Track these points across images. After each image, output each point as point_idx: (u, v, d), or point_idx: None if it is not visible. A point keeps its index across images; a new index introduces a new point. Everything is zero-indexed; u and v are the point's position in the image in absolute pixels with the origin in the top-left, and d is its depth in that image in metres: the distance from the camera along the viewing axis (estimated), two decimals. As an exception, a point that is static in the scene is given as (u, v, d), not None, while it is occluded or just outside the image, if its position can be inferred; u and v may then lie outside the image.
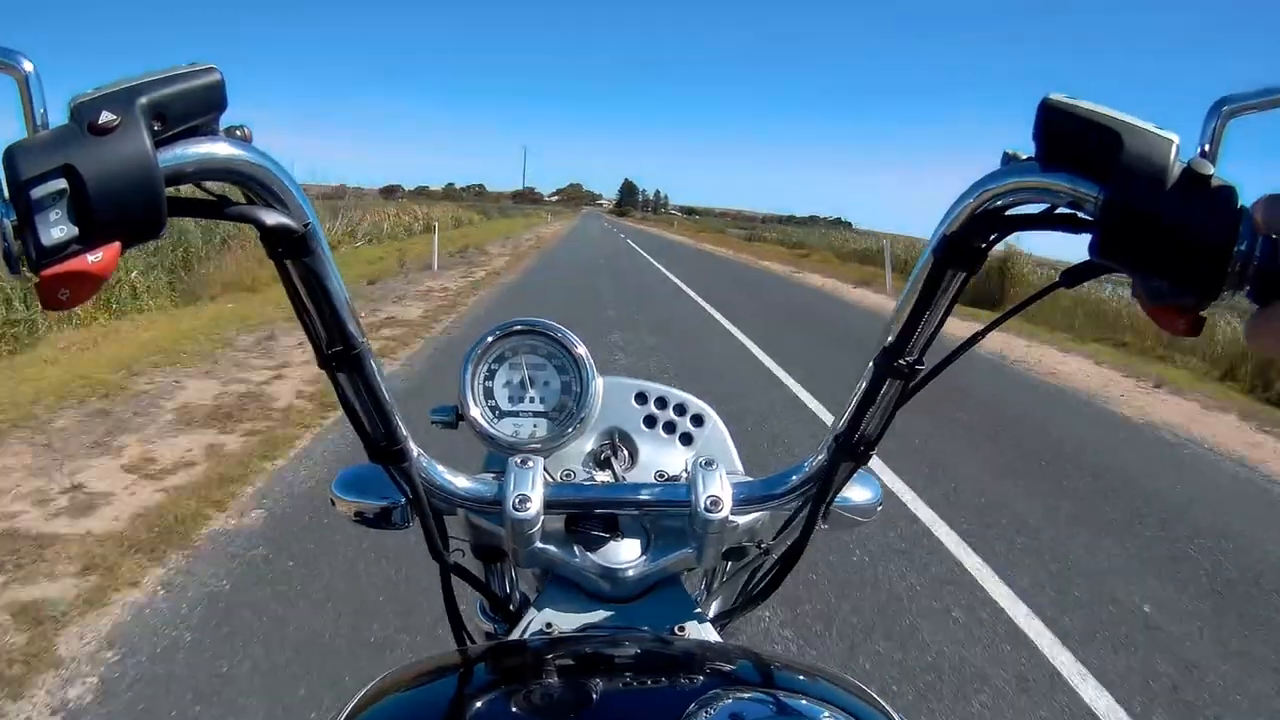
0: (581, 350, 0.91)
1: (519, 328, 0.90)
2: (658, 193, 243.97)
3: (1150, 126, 0.58)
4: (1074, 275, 0.65)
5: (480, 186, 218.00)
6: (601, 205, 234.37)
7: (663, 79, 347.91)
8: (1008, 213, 0.65)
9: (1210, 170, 0.56)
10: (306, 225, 0.65)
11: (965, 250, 0.67)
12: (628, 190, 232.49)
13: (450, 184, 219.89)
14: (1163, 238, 0.56)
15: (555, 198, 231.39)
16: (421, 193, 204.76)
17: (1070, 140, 0.60)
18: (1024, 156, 0.63)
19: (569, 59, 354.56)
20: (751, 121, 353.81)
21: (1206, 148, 0.58)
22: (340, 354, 0.72)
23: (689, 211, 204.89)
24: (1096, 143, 0.59)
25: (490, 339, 0.90)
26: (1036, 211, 0.65)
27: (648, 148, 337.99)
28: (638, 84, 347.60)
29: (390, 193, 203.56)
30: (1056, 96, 0.60)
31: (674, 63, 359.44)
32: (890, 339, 0.74)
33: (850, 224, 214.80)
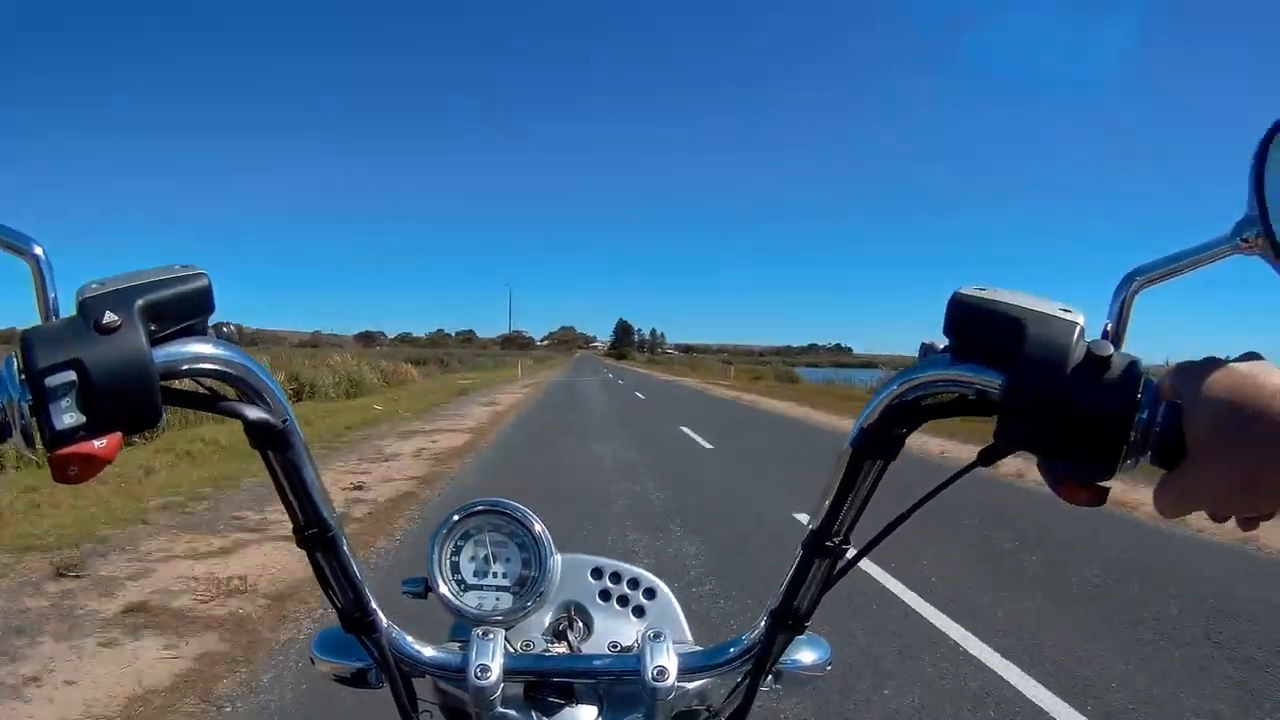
0: (540, 528, 0.94)
1: (481, 508, 0.94)
2: (654, 331, 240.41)
3: (1056, 310, 0.62)
4: (989, 455, 0.65)
5: (470, 333, 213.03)
6: (595, 348, 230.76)
7: (653, 214, 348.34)
8: (923, 403, 0.68)
9: (1109, 351, 0.59)
10: (285, 421, 0.70)
11: (883, 441, 0.70)
12: (622, 331, 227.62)
13: (439, 330, 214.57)
14: (1061, 421, 0.58)
15: (546, 341, 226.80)
16: (405, 340, 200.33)
17: (978, 332, 0.63)
18: (940, 346, 0.66)
19: (557, 198, 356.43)
20: (746, 252, 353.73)
21: (1109, 327, 0.63)
22: (316, 535, 0.78)
23: (686, 349, 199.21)
24: (1001, 333, 0.62)
25: (456, 518, 0.94)
26: (949, 400, 0.67)
27: (641, 286, 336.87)
28: (628, 220, 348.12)
29: (369, 340, 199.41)
30: (966, 290, 0.64)
31: (664, 198, 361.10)
32: (817, 522, 0.77)
33: (850, 349, 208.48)
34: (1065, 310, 0.63)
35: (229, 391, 0.69)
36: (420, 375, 39.06)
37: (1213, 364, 0.56)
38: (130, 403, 0.57)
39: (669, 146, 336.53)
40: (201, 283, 0.63)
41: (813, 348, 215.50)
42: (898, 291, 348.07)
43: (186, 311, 0.63)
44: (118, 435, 0.57)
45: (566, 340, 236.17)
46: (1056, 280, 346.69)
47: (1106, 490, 0.60)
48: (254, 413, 0.68)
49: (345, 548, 0.80)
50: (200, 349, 0.63)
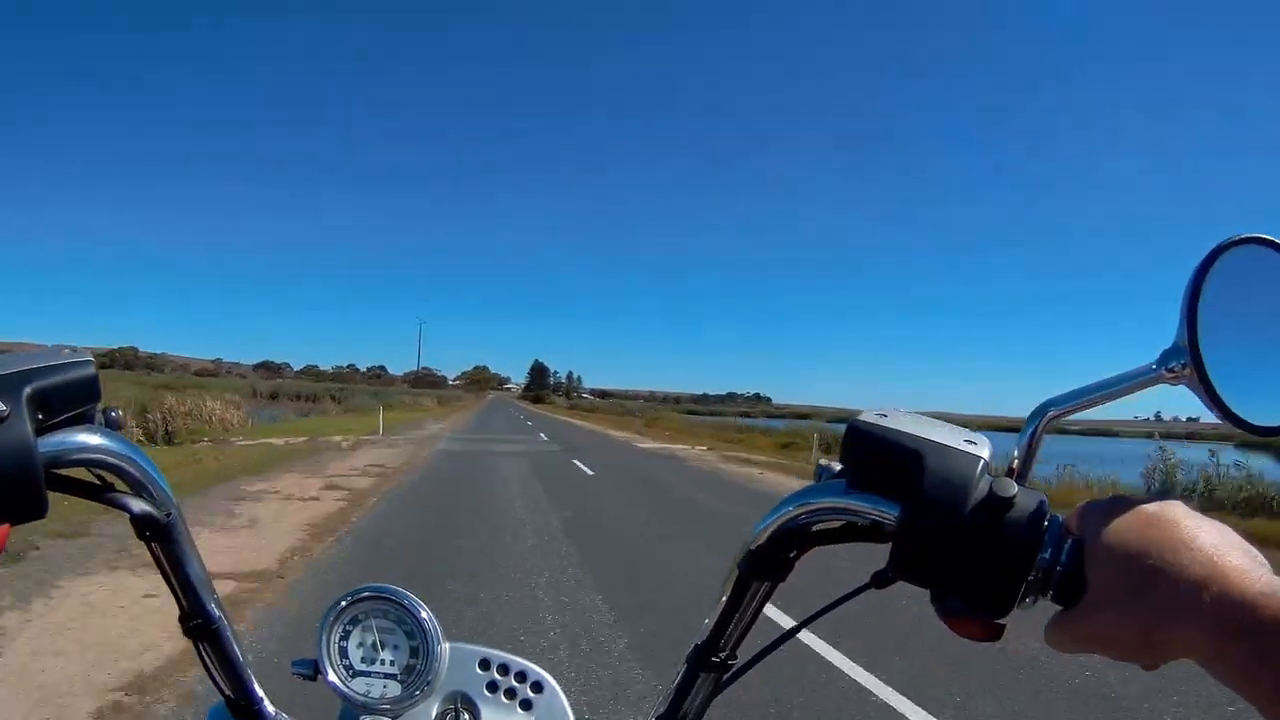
0: (426, 615, 0.92)
1: (368, 594, 0.91)
2: (570, 374, 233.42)
3: (960, 441, 0.60)
4: (881, 579, 0.63)
5: (381, 369, 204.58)
6: (509, 389, 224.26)
7: (571, 257, 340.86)
8: (814, 528, 0.66)
9: (1012, 492, 0.57)
10: (169, 514, 0.70)
11: (772, 563, 0.68)
12: (538, 373, 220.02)
13: (350, 365, 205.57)
14: (957, 559, 0.56)
15: (459, 381, 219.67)
16: (310, 372, 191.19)
17: (876, 462, 0.61)
18: (836, 469, 0.65)
19: (473, 235, 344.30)
20: (665, 297, 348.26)
21: (1016, 460, 0.62)
22: (200, 626, 0.78)
23: (603, 394, 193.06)
24: (900, 464, 0.60)
25: (343, 604, 0.91)
26: (842, 526, 0.65)
27: (558, 328, 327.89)
28: (546, 261, 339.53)
29: (273, 371, 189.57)
30: (865, 418, 0.63)
31: (582, 241, 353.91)
32: (703, 637, 0.75)
33: (769, 399, 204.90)
34: (969, 442, 0.61)
35: (118, 480, 0.67)
36: (297, 411, 36.01)
37: (1121, 505, 0.54)
38: (16, 494, 0.57)
39: (587, 188, 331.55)
40: (88, 370, 0.64)
41: (731, 396, 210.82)
42: (816, 341, 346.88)
43: (73, 399, 0.63)
44: (5, 527, 0.58)
45: (479, 380, 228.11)
46: (979, 326, 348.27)
47: (1002, 626, 0.58)
48: (138, 505, 0.68)
49: (230, 637, 0.81)
50: (87, 439, 0.63)
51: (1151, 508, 0.53)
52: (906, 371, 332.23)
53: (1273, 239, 0.62)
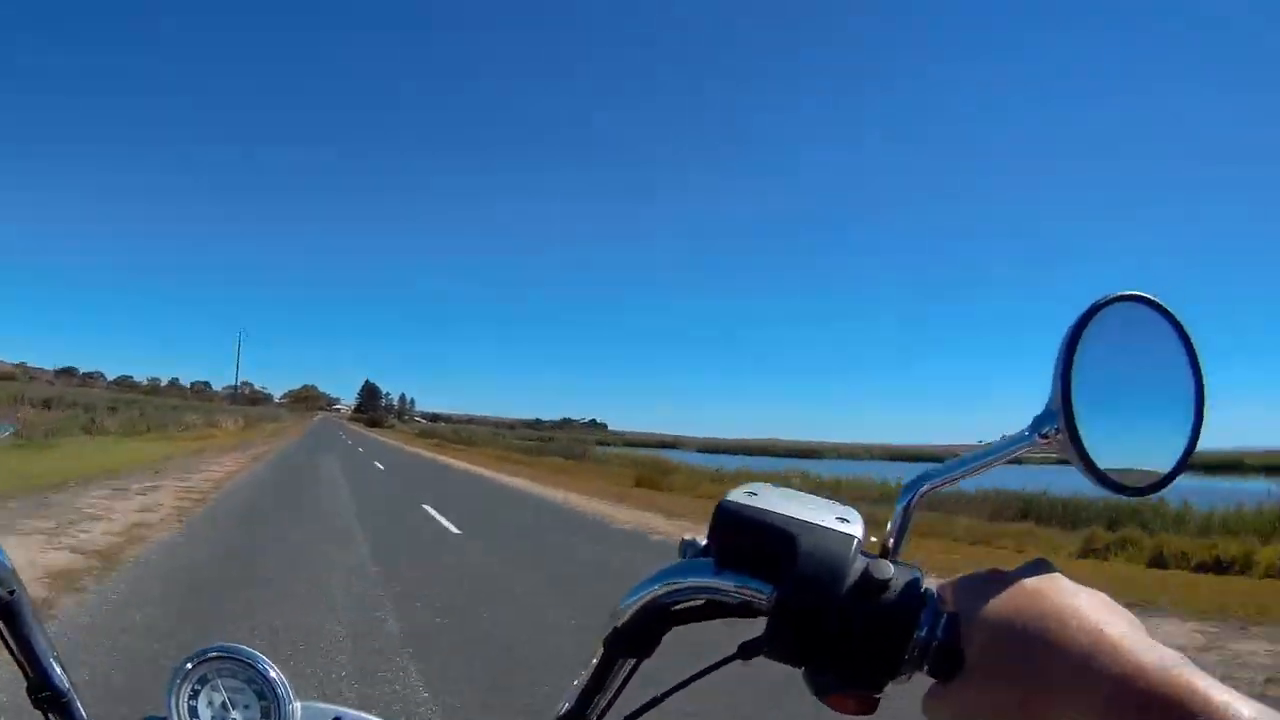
0: (275, 674, 0.87)
1: (215, 654, 0.87)
2: (403, 396, 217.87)
3: (832, 520, 0.60)
4: (749, 650, 0.61)
5: (205, 384, 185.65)
6: (339, 410, 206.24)
7: (402, 275, 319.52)
8: (681, 605, 0.65)
9: (888, 574, 0.56)
10: (11, 592, 0.72)
11: (638, 639, 0.67)
12: (369, 394, 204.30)
13: (174, 379, 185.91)
14: (832, 640, 0.56)
15: (285, 400, 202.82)
16: (122, 383, 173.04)
17: (746, 543, 0.60)
18: (702, 544, 0.63)
19: (301, 250, 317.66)
20: (499, 319, 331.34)
21: (890, 535, 0.61)
22: (49, 698, 0.79)
23: (434, 418, 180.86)
24: (771, 545, 0.59)
25: (189, 665, 0.86)
26: (709, 603, 0.64)
27: (390, 349, 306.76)
28: (378, 279, 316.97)
29: (84, 380, 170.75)
30: (734, 498, 0.62)
31: (412, 259, 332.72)
32: (565, 708, 0.73)
33: (605, 425, 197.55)
34: (842, 519, 0.60)
35: None
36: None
37: (998, 579, 0.53)
38: None
39: (418, 202, 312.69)
40: None
41: (567, 422, 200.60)
42: (650, 369, 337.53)
43: None
44: None
45: (307, 398, 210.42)
46: (823, 356, 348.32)
47: (877, 700, 0.57)
48: None
49: (80, 711, 0.81)
50: None
51: (1030, 581, 0.52)
52: (751, 395, 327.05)
53: (1148, 296, 0.61)
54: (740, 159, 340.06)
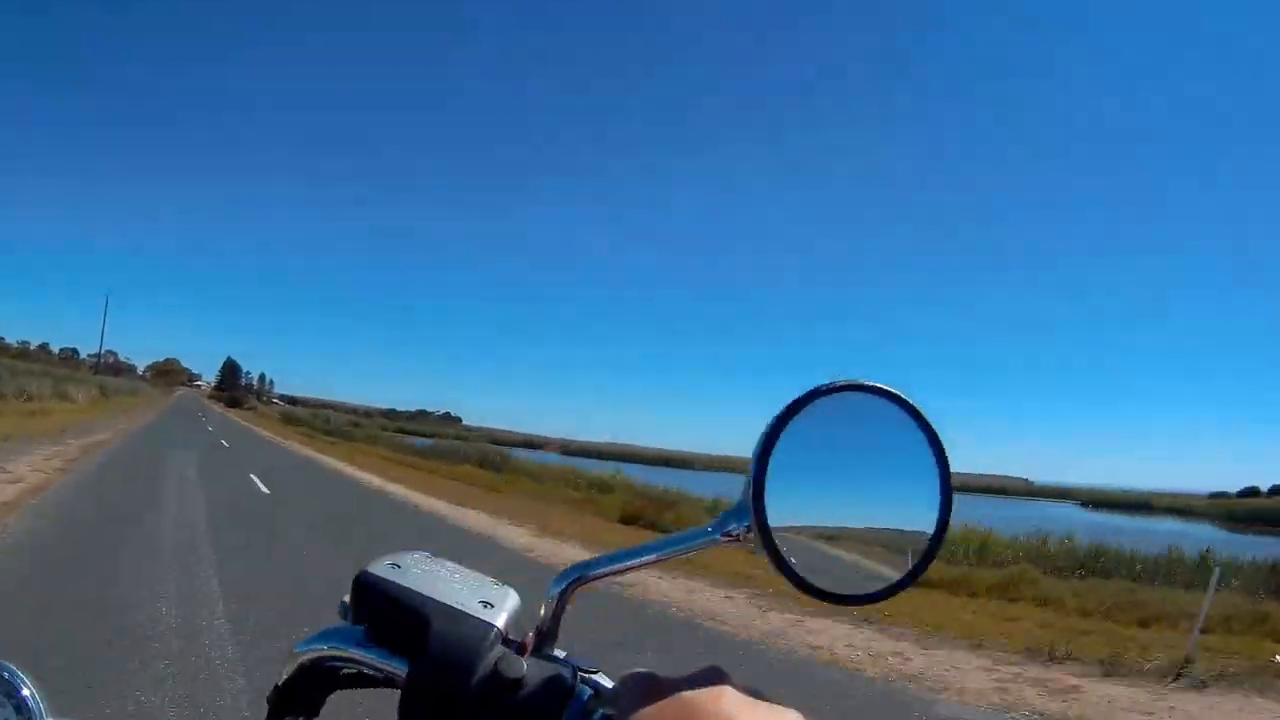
0: (28, 692, 0.81)
1: None
2: (262, 376, 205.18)
3: (473, 604, 0.60)
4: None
5: (74, 350, 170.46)
6: (200, 387, 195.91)
7: (268, 253, 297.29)
8: (341, 671, 0.64)
9: (519, 672, 0.56)
10: None
11: (300, 700, 0.65)
12: (230, 372, 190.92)
13: (44, 344, 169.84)
14: None
15: (147, 373, 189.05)
16: None
17: (386, 617, 0.60)
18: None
19: (171, 213, 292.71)
20: (362, 307, 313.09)
21: (542, 626, 0.61)
22: None
23: (292, 401, 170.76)
24: (408, 622, 0.59)
25: None
26: (360, 673, 0.63)
27: (253, 325, 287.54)
28: (243, 249, 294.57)
29: None
30: (374, 570, 0.62)
31: (278, 235, 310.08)
32: None
33: (460, 419, 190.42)
34: (486, 603, 0.60)
35: None
36: None
37: (661, 684, 0.49)
38: None
39: (284, 174, 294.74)
40: None
41: (422, 414, 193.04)
42: (506, 361, 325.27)
43: None
44: None
45: (170, 373, 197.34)
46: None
47: None
48: None
49: None
50: None
51: (697, 695, 0.47)
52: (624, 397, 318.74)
53: (881, 386, 0.59)
54: (593, 158, 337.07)
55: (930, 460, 0.58)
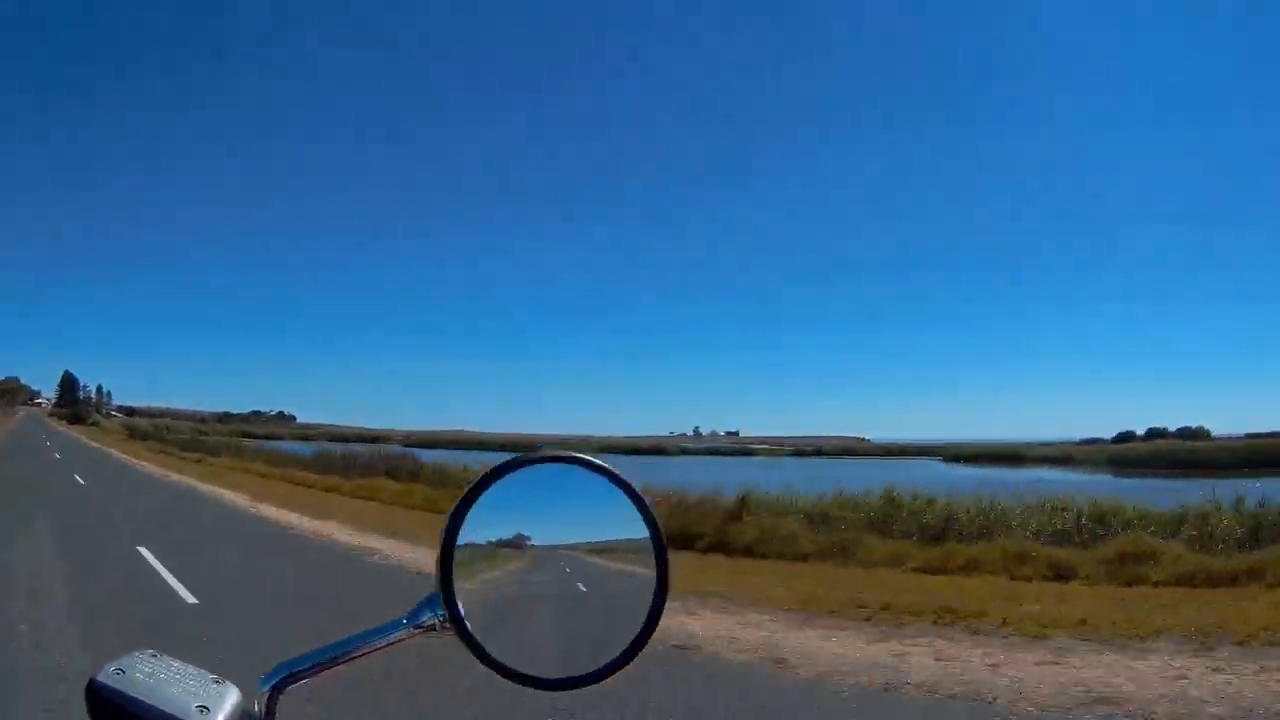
0: None
1: None
2: (99, 388, 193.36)
3: (192, 712, 0.60)
4: None
5: None
6: (40, 404, 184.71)
7: (94, 255, 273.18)
8: None
9: None
10: None
11: None
12: (68, 386, 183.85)
13: None
14: None
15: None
16: None
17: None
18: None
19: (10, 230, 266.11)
20: (198, 307, 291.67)
21: None
22: None
23: (130, 412, 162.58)
24: None
25: None
26: None
27: (87, 336, 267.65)
28: (69, 264, 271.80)
29: None
30: (102, 679, 0.62)
31: (100, 234, 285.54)
32: None
33: (294, 417, 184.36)
34: (203, 710, 0.60)
35: None
36: None
37: None
38: None
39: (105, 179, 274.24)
40: None
41: (257, 415, 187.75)
42: (341, 353, 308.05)
43: None
44: None
45: (9, 391, 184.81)
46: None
47: None
48: None
49: None
50: None
51: None
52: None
53: (580, 456, 0.59)
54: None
55: (639, 522, 0.57)
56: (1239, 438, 58.00)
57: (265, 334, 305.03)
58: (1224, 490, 13.07)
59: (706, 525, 14.24)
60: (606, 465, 0.57)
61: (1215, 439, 62.36)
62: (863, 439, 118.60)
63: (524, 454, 0.56)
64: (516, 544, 0.62)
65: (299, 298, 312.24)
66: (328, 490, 24.54)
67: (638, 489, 0.56)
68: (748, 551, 13.24)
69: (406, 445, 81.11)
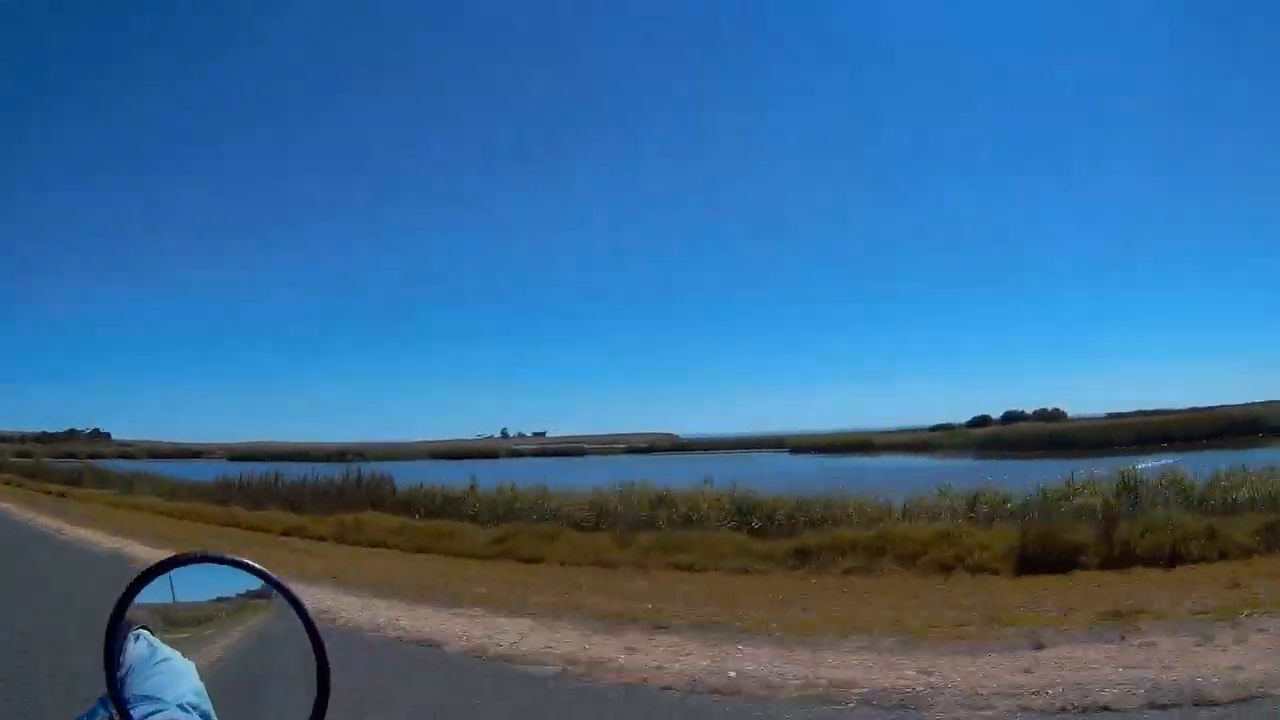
0: None
1: None
2: None
3: None
4: None
5: None
6: None
7: None
8: None
9: None
10: None
11: None
12: None
13: None
14: None
15: None
16: None
17: None
18: None
19: None
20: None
21: None
22: None
23: None
24: None
25: None
26: None
27: None
28: None
29: None
30: None
31: None
32: None
33: (109, 435, 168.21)
34: None
35: None
36: None
37: None
38: None
39: None
40: None
41: (72, 434, 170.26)
42: (151, 366, 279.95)
43: None
44: None
45: None
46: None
47: None
48: None
49: None
50: None
51: None
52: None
53: (225, 556, 0.57)
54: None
55: (305, 641, 0.54)
56: (1100, 417, 60.67)
57: (71, 348, 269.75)
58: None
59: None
60: (257, 565, 0.54)
61: (1071, 419, 64.88)
62: (673, 435, 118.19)
63: (176, 555, 0.51)
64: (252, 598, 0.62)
65: (104, 310, 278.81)
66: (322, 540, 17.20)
67: (284, 583, 0.52)
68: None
69: (231, 458, 75.10)
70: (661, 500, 15.46)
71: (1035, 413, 68.15)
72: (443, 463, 49.63)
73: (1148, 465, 15.20)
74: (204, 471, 35.34)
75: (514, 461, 68.78)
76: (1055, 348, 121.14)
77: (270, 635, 0.82)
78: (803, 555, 11.76)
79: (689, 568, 12.00)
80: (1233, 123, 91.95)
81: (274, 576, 0.75)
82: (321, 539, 17.29)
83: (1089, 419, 61.48)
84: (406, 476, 23.88)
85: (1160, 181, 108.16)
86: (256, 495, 24.13)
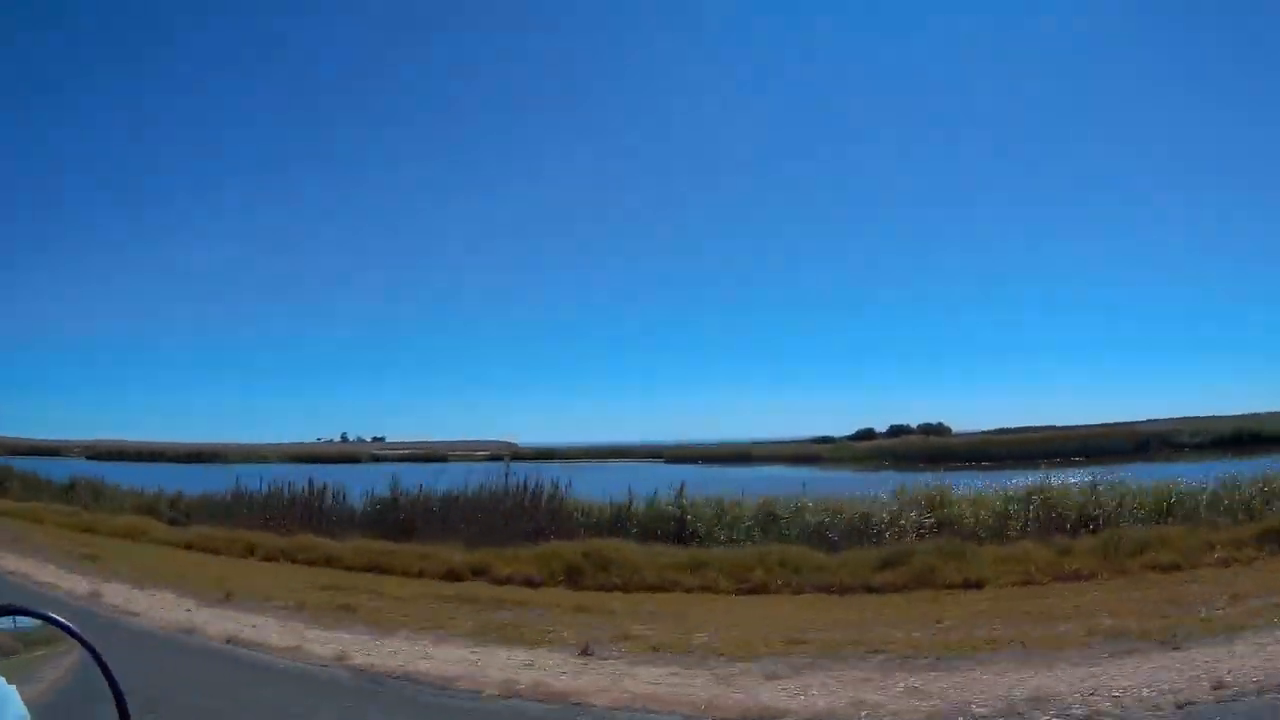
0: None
1: None
2: None
3: None
4: None
5: None
6: None
7: None
8: None
9: None
10: None
11: None
12: None
13: None
14: None
15: None
16: None
17: None
18: None
19: None
20: None
21: None
22: None
23: None
24: None
25: None
26: None
27: None
28: None
29: None
30: None
31: None
32: None
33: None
34: None
35: None
36: None
37: None
38: None
39: None
40: None
41: None
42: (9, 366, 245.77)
43: None
44: None
45: None
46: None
47: None
48: None
49: None
50: None
51: None
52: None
53: (42, 612, 0.65)
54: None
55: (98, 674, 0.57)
56: (979, 433, 63.28)
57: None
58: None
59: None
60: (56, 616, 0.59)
61: (955, 435, 67.16)
62: (511, 443, 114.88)
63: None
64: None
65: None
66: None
67: (80, 632, 0.55)
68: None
69: (90, 457, 68.95)
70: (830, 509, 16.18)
71: (920, 426, 70.33)
72: (302, 466, 46.59)
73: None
74: (60, 470, 32.81)
75: (379, 466, 65.84)
76: (943, 368, 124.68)
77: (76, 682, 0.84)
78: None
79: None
80: (1089, 138, 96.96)
81: (71, 626, 0.78)
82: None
83: (972, 434, 63.81)
84: (282, 478, 22.46)
85: (1036, 206, 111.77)
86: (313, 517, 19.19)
